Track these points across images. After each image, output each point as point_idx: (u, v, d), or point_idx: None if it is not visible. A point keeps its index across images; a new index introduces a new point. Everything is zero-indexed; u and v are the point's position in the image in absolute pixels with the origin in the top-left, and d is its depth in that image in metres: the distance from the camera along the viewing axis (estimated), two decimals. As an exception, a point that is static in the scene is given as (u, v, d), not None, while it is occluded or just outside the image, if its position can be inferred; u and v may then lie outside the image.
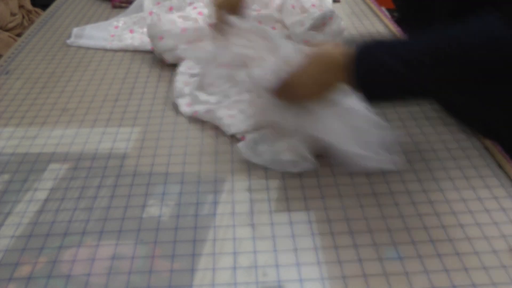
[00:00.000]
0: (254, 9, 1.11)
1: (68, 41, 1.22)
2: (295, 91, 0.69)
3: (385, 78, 0.61)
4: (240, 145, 0.77)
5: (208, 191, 0.72)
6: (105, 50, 1.18)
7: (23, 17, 2.07)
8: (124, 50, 1.17)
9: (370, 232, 0.64)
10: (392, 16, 1.35)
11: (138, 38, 1.19)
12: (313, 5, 1.11)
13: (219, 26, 0.88)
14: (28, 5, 2.13)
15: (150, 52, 1.13)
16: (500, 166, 0.75)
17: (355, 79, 0.62)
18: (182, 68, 0.99)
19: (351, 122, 0.71)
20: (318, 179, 0.73)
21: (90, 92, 1.00)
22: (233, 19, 0.84)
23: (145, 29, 1.16)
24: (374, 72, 0.61)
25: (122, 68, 1.09)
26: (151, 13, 1.24)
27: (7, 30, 1.94)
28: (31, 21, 2.03)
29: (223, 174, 0.75)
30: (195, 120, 0.89)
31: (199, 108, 0.89)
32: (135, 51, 1.16)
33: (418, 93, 0.66)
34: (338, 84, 0.65)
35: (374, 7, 1.40)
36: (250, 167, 0.76)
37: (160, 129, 0.87)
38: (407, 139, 0.82)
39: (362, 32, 1.24)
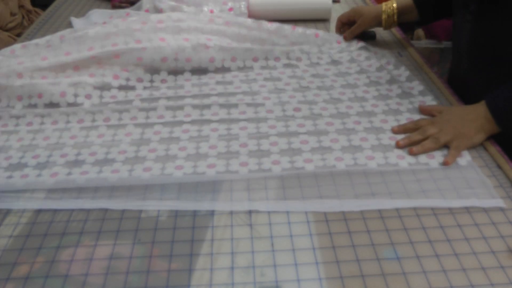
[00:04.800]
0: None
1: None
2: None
3: None
4: None
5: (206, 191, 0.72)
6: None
7: (23, 17, 2.07)
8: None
9: (368, 232, 0.64)
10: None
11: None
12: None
13: None
14: (28, 5, 2.13)
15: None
16: (499, 166, 0.75)
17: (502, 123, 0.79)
18: None
19: None
20: (316, 179, 0.73)
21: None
22: None
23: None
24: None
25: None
26: (147, 10, 1.24)
27: (7, 30, 1.95)
28: (31, 21, 2.03)
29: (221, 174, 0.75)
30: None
31: None
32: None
33: None
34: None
35: (374, 7, 1.40)
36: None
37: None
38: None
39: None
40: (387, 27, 1.12)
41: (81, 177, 0.74)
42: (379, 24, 1.12)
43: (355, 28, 1.13)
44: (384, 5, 1.10)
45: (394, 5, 1.09)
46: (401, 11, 1.09)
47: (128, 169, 0.76)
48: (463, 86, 0.96)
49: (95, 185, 0.73)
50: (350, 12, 1.15)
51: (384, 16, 1.10)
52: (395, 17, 1.10)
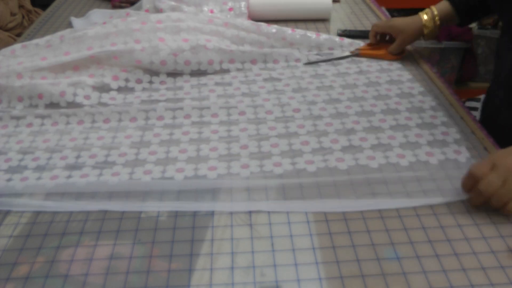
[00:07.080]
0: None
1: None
2: None
3: None
4: None
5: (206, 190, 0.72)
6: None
7: (23, 17, 2.07)
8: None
9: (368, 232, 0.64)
10: (392, 16, 1.35)
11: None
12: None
13: None
14: (28, 5, 2.13)
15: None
16: (499, 166, 0.75)
17: None
18: None
19: None
20: (316, 179, 0.73)
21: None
22: None
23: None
24: None
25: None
26: (147, 10, 1.24)
27: (7, 30, 1.94)
28: (31, 21, 2.03)
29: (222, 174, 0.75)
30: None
31: None
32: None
33: None
34: None
35: (374, 7, 1.40)
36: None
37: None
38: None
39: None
40: (428, 39, 1.07)
41: (81, 180, 0.74)
42: (419, 38, 1.06)
43: (397, 47, 1.06)
44: (424, 19, 1.03)
45: (437, 18, 1.02)
46: (443, 23, 1.03)
47: (129, 172, 0.76)
48: (496, 114, 0.94)
49: (95, 188, 0.73)
50: (386, 27, 1.08)
51: (426, 31, 1.04)
52: (437, 29, 1.03)
